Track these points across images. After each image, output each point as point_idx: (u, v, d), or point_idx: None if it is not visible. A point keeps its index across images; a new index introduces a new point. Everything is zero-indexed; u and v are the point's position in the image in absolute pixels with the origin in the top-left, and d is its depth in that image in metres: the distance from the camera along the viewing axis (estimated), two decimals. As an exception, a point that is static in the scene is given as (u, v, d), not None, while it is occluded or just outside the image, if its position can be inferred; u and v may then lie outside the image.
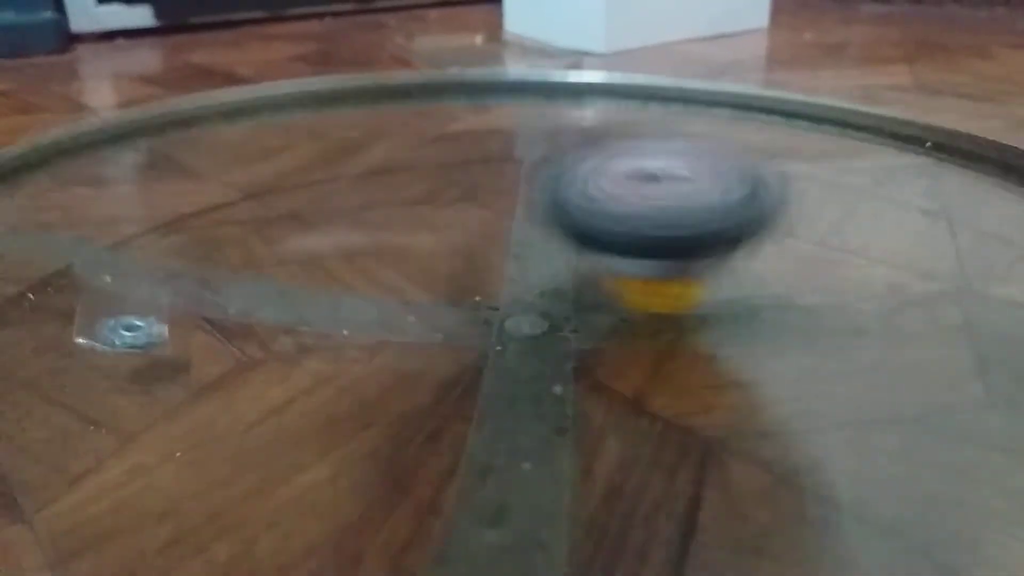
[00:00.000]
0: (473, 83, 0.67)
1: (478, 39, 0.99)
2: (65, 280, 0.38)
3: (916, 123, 0.55)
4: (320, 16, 1.18)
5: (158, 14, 1.03)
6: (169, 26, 1.04)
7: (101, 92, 0.78)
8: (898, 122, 0.56)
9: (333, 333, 0.32)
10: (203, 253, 0.40)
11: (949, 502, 0.23)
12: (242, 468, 0.24)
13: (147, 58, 0.93)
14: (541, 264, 0.38)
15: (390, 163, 0.54)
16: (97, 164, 0.55)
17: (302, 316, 0.34)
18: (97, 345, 0.29)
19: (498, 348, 0.30)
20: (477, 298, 0.35)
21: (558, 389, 0.28)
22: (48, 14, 0.92)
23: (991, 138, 0.50)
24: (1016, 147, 0.48)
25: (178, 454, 0.25)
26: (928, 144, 0.52)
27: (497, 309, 0.33)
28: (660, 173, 0.30)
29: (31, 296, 0.36)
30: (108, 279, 0.38)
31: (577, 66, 0.80)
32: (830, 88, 0.70)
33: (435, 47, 0.93)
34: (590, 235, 0.29)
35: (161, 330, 0.30)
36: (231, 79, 0.79)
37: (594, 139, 0.62)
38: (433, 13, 1.22)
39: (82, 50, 0.95)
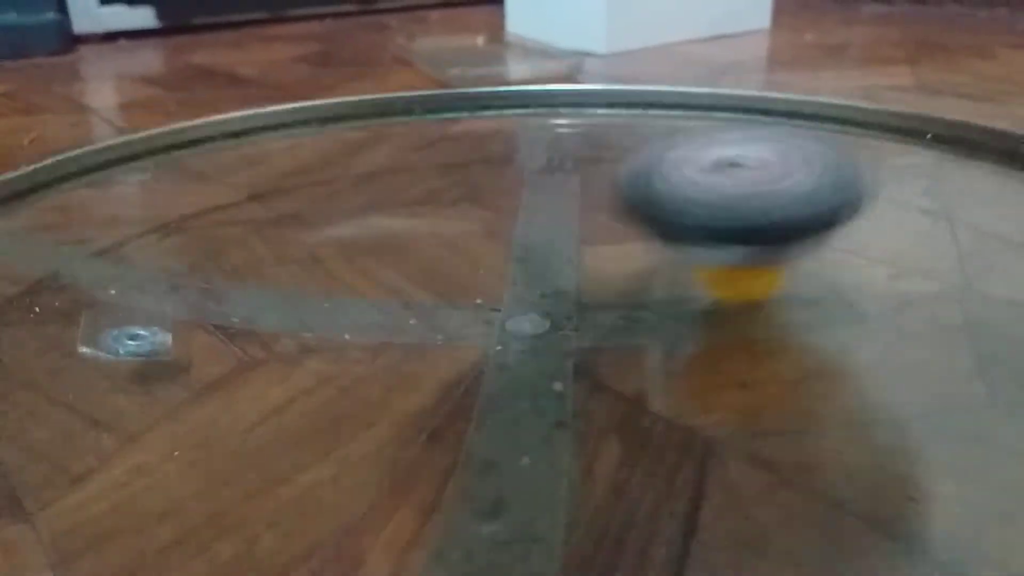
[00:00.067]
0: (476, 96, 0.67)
1: (480, 40, 0.99)
2: (67, 281, 0.38)
3: (916, 116, 0.55)
4: (321, 17, 1.18)
5: (160, 15, 1.03)
6: (171, 27, 1.05)
7: (103, 93, 0.78)
8: (899, 116, 0.56)
9: (334, 334, 0.32)
10: (205, 254, 0.40)
11: (950, 502, 0.23)
12: (244, 468, 0.24)
13: (149, 59, 0.93)
14: (543, 265, 0.38)
15: (391, 164, 0.54)
16: (97, 171, 0.55)
17: (303, 318, 0.34)
18: (101, 354, 0.29)
19: (499, 348, 0.30)
20: (478, 299, 0.35)
21: (558, 386, 0.28)
22: (50, 15, 0.92)
23: (991, 126, 0.50)
24: (1016, 133, 0.48)
25: (179, 454, 0.25)
26: (928, 136, 0.52)
27: (498, 310, 0.33)
28: (742, 161, 0.30)
29: (33, 297, 0.36)
30: (112, 283, 0.38)
31: (579, 67, 0.80)
32: (831, 89, 0.70)
33: (437, 48, 0.93)
34: (674, 226, 0.30)
35: (165, 339, 0.30)
36: (233, 80, 0.80)
37: (596, 142, 0.62)
38: (435, 14, 1.22)
39: (84, 51, 0.95)
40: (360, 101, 0.65)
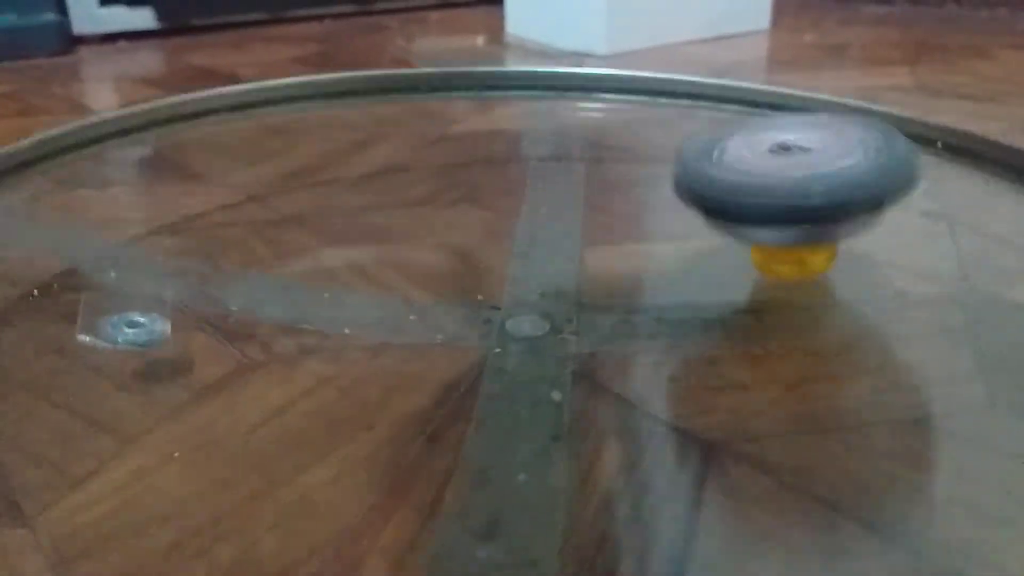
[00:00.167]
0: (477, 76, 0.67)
1: (479, 41, 0.99)
2: (66, 281, 0.38)
3: (918, 121, 0.55)
4: (321, 18, 1.18)
5: (160, 16, 1.03)
6: (171, 28, 1.05)
7: (103, 94, 0.78)
8: (900, 120, 0.56)
9: (334, 334, 0.32)
10: (205, 254, 0.40)
11: (951, 505, 0.23)
12: (244, 470, 0.24)
13: (149, 60, 0.93)
14: (544, 265, 0.38)
15: (392, 164, 0.54)
16: (99, 165, 0.55)
17: (304, 317, 0.34)
18: (99, 342, 0.29)
19: (497, 350, 0.30)
20: (479, 298, 0.35)
21: (556, 395, 0.27)
22: (50, 16, 0.92)
23: (992, 138, 0.50)
24: (1017, 147, 0.48)
25: (179, 456, 0.25)
26: (939, 144, 0.52)
27: (498, 309, 0.33)
28: (798, 144, 0.31)
29: (32, 297, 0.36)
30: (112, 281, 0.38)
31: (579, 67, 0.80)
32: (831, 89, 0.70)
33: (436, 49, 0.93)
34: (727, 206, 0.31)
35: (164, 328, 0.30)
36: (233, 81, 0.80)
37: (603, 131, 0.62)
38: (434, 15, 1.22)
39: (84, 52, 0.95)
40: (366, 76, 0.65)
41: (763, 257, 0.35)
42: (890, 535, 0.21)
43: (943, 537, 0.21)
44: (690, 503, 0.23)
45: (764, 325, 0.33)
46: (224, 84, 0.78)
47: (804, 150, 0.31)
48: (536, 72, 0.68)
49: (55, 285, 0.37)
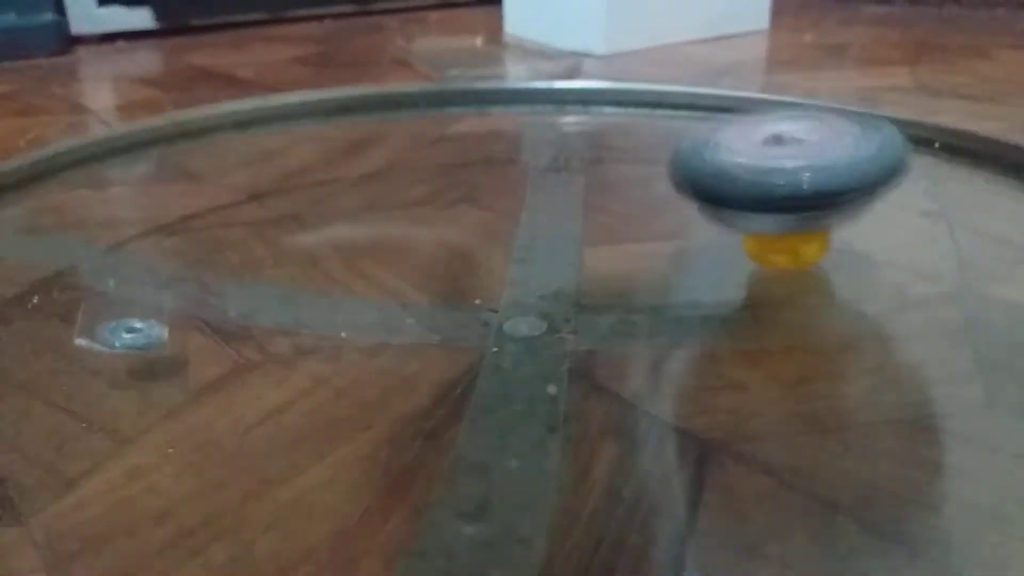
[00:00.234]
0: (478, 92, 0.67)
1: (478, 41, 0.99)
2: (64, 282, 0.38)
3: (917, 123, 0.55)
4: (320, 18, 1.18)
5: (158, 16, 1.03)
6: (169, 28, 1.05)
7: (102, 94, 0.78)
8: (899, 122, 0.55)
9: (332, 335, 0.32)
10: (203, 255, 0.40)
11: (950, 504, 0.23)
12: (240, 470, 0.24)
13: (147, 60, 0.93)
14: (543, 265, 0.38)
15: (391, 165, 0.54)
16: (96, 171, 0.55)
17: (301, 318, 0.34)
18: (96, 346, 0.29)
19: (495, 350, 0.30)
20: (477, 300, 0.34)
21: (552, 389, 0.27)
22: (49, 16, 0.92)
23: (992, 136, 0.50)
24: (1016, 144, 0.48)
25: (175, 456, 0.25)
26: (936, 145, 0.52)
27: (496, 311, 0.33)
28: (791, 135, 0.32)
29: (30, 298, 0.36)
30: (109, 282, 0.37)
31: (577, 67, 0.80)
32: (830, 89, 0.70)
33: (435, 49, 0.93)
34: (720, 194, 0.31)
35: (161, 332, 0.30)
36: (231, 81, 0.80)
37: (602, 140, 0.62)
38: (433, 15, 1.22)
39: (82, 52, 0.95)
40: (365, 94, 0.65)
41: (757, 247, 0.35)
42: (889, 535, 0.21)
43: (943, 537, 0.21)
44: (688, 503, 0.23)
45: (763, 325, 0.33)
46: (223, 85, 0.78)
47: (797, 141, 0.32)
48: (535, 89, 0.68)
49: (53, 286, 0.37)
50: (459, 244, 0.41)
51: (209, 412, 0.27)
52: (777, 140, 0.32)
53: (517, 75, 0.78)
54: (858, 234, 0.41)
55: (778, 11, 1.04)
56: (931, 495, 0.23)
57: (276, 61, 0.90)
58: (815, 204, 0.30)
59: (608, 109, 0.66)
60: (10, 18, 0.89)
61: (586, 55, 0.88)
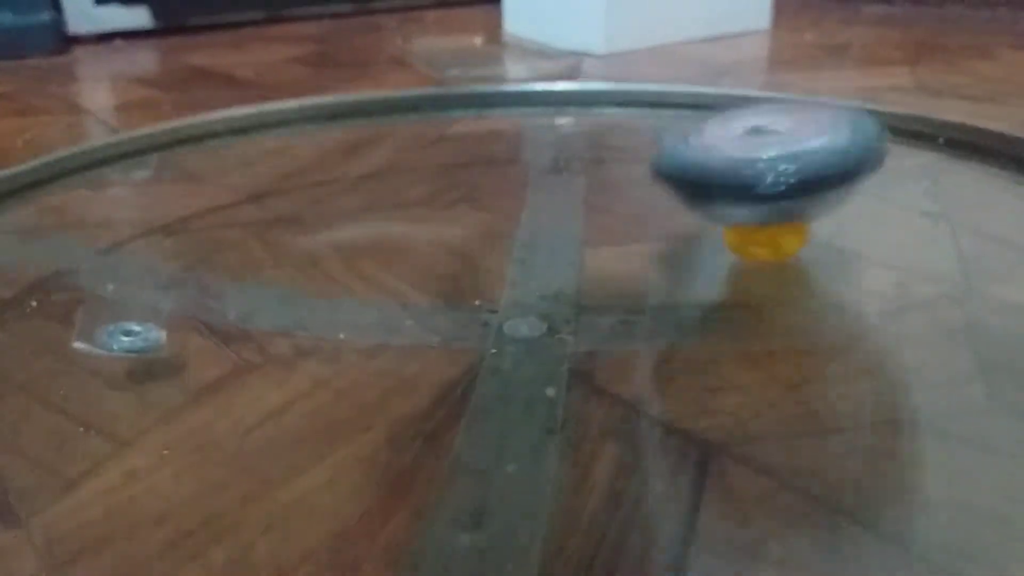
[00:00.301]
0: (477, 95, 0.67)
1: (477, 40, 0.99)
2: (63, 283, 0.37)
3: (921, 119, 0.55)
4: (318, 18, 1.18)
5: (156, 15, 1.03)
6: (167, 27, 1.04)
7: (99, 94, 0.78)
8: (902, 118, 0.56)
9: (331, 336, 0.32)
10: (202, 256, 0.40)
11: (950, 505, 0.23)
12: (239, 472, 0.24)
13: (145, 59, 0.93)
14: (544, 266, 0.38)
15: (390, 165, 0.54)
16: (95, 174, 0.55)
17: (301, 319, 0.33)
18: (95, 349, 0.29)
19: (494, 351, 0.30)
20: (477, 301, 0.34)
21: (551, 391, 0.27)
22: (46, 15, 0.92)
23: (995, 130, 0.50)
24: (1019, 138, 0.48)
25: (174, 458, 0.25)
26: (941, 140, 0.53)
27: (496, 311, 0.33)
28: (765, 127, 0.32)
29: (28, 299, 0.36)
30: (107, 283, 0.37)
31: (577, 67, 0.80)
32: (831, 89, 0.70)
33: (434, 48, 0.93)
34: (699, 185, 0.32)
35: (159, 336, 0.30)
36: (229, 81, 0.79)
37: (603, 141, 0.62)
38: (432, 14, 1.22)
39: (80, 51, 0.94)
40: (368, 99, 0.65)
41: (736, 239, 0.35)
42: (889, 535, 0.21)
43: (942, 537, 0.21)
44: (689, 504, 0.22)
45: (763, 326, 0.33)
46: (221, 84, 0.78)
47: (776, 132, 0.32)
48: (535, 91, 0.68)
49: (51, 287, 0.37)
50: (459, 245, 0.41)
51: (208, 413, 0.27)
52: (756, 131, 0.32)
53: (516, 75, 0.77)
54: (859, 234, 0.41)
55: (779, 10, 1.04)
56: (931, 496, 0.23)
57: (275, 61, 0.90)
58: (792, 193, 0.30)
59: (608, 110, 0.66)
60: (7, 17, 0.89)
61: (586, 55, 0.88)
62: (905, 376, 0.29)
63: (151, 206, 0.48)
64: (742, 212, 0.32)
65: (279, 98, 0.65)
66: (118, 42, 0.99)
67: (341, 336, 0.32)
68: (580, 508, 0.22)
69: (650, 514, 0.22)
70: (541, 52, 0.85)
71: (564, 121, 0.65)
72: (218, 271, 0.38)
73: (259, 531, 0.22)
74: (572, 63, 0.80)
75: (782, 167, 0.30)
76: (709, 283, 0.37)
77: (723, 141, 0.32)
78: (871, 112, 0.34)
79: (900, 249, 0.39)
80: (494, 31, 1.02)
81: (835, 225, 0.42)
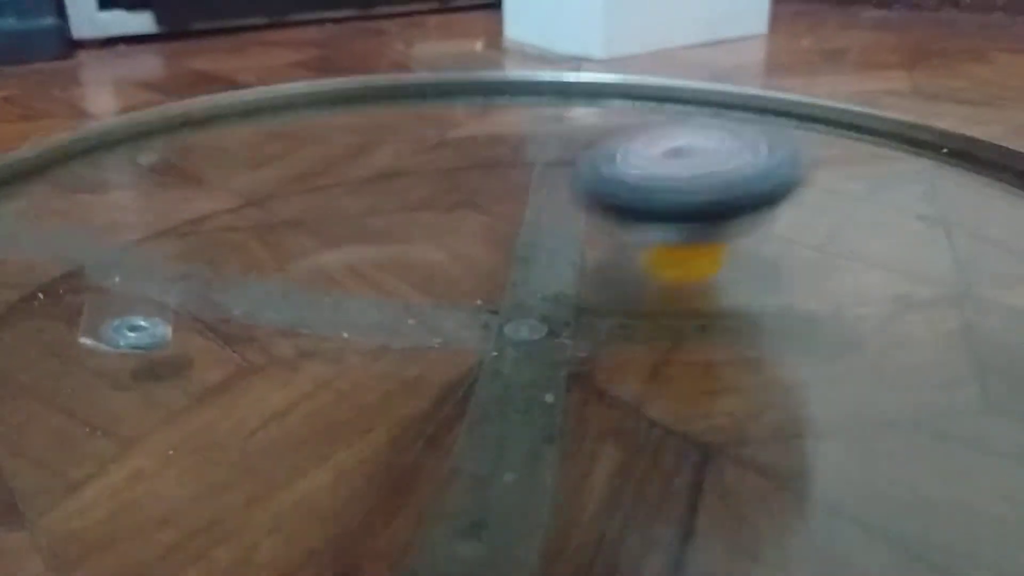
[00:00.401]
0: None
1: (478, 45, 0.99)
2: (67, 285, 0.38)
3: (918, 125, 0.55)
4: (320, 22, 1.18)
5: (159, 20, 1.03)
6: (170, 32, 1.05)
7: (103, 98, 0.78)
8: (901, 124, 0.56)
9: (334, 337, 0.32)
10: (205, 258, 0.40)
11: (948, 507, 0.23)
12: (242, 473, 0.25)
13: (149, 64, 0.93)
14: (545, 269, 0.38)
15: (392, 168, 0.54)
16: (99, 170, 0.55)
17: (303, 321, 0.34)
18: (101, 345, 0.29)
19: (494, 354, 0.30)
20: (478, 302, 0.35)
21: (550, 397, 0.28)
22: (50, 20, 0.92)
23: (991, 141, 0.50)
24: (1015, 150, 0.49)
25: (178, 460, 0.25)
26: (945, 150, 0.53)
27: (496, 313, 0.33)
28: (686, 148, 0.33)
29: (33, 301, 0.36)
30: (112, 287, 0.38)
31: (576, 71, 0.80)
32: (828, 93, 0.70)
33: (435, 53, 0.93)
34: (614, 205, 0.32)
35: (165, 331, 0.30)
36: (232, 85, 0.80)
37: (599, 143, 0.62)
38: (433, 19, 1.23)
39: (84, 56, 0.95)
40: (374, 84, 0.65)
41: (650, 259, 0.35)
42: (887, 536, 0.22)
43: (940, 538, 0.21)
44: (687, 506, 0.23)
45: (761, 328, 0.33)
46: (224, 88, 0.78)
47: (696, 153, 0.32)
48: (539, 80, 0.69)
49: (57, 288, 0.37)
50: (460, 246, 0.41)
51: (212, 415, 0.27)
52: (677, 153, 0.32)
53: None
54: (857, 238, 0.41)
55: (777, 15, 1.05)
56: (929, 497, 0.23)
57: (277, 65, 0.91)
58: (704, 215, 0.30)
59: (611, 110, 0.66)
60: (11, 22, 0.89)
61: (585, 59, 0.88)
62: (902, 378, 0.29)
63: (156, 209, 0.48)
64: (657, 233, 0.33)
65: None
66: (122, 47, 1.00)
67: (344, 337, 0.32)
68: (579, 510, 0.23)
69: (648, 515, 0.22)
70: (542, 57, 0.86)
71: (564, 124, 0.65)
72: (222, 273, 0.38)
73: (262, 533, 0.22)
74: (572, 67, 0.80)
75: (695, 188, 0.30)
76: (708, 286, 0.37)
77: (643, 161, 0.32)
78: (795, 139, 0.34)
79: (897, 252, 0.40)
80: (495, 36, 1.03)
81: (833, 229, 0.43)
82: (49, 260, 0.41)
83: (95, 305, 0.32)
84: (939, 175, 0.50)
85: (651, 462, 0.25)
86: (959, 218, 0.43)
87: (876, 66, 0.83)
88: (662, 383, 0.29)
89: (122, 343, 0.29)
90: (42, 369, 0.30)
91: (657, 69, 0.84)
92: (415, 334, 0.32)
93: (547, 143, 0.61)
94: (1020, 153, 0.49)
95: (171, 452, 0.26)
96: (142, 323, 0.30)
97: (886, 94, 0.70)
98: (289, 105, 0.63)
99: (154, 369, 0.30)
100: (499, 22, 1.04)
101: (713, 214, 0.30)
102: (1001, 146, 0.50)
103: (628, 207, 0.31)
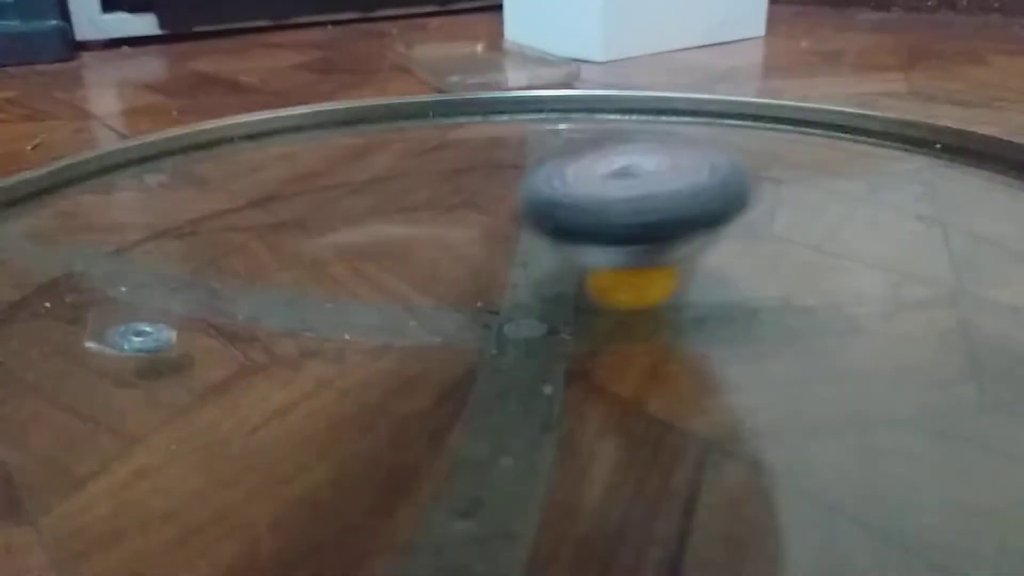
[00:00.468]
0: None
1: (478, 47, 1.00)
2: (71, 285, 0.38)
3: (915, 123, 0.55)
4: (323, 24, 1.19)
5: (163, 22, 1.04)
6: (173, 34, 1.05)
7: (106, 100, 0.79)
8: (896, 123, 0.56)
9: (336, 337, 0.32)
10: (208, 259, 0.41)
11: (944, 504, 0.23)
12: (246, 470, 0.25)
13: (152, 66, 0.94)
14: (545, 269, 0.38)
15: (393, 170, 0.54)
16: (104, 185, 0.55)
17: (306, 320, 0.34)
18: (106, 349, 0.29)
19: (494, 352, 0.31)
20: (478, 303, 0.35)
21: (548, 389, 0.28)
22: (53, 22, 0.93)
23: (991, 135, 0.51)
24: (1013, 141, 0.49)
25: (182, 456, 0.25)
26: (938, 146, 0.53)
27: (497, 313, 0.34)
28: (631, 168, 0.32)
29: (39, 301, 0.36)
30: (118, 286, 0.38)
31: (575, 74, 0.81)
32: (826, 95, 0.71)
33: (436, 55, 0.94)
34: (561, 227, 0.30)
35: (169, 335, 0.30)
36: (235, 87, 0.80)
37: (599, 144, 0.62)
38: (434, 22, 1.23)
39: (87, 58, 0.95)
40: (374, 105, 0.66)
41: (597, 283, 0.34)
42: (886, 535, 0.22)
43: (938, 537, 0.22)
44: (685, 503, 0.23)
45: (760, 326, 0.33)
46: (227, 90, 0.79)
47: (641, 174, 0.31)
48: (543, 96, 0.69)
49: (60, 288, 0.37)
50: (461, 248, 0.41)
51: (215, 413, 0.28)
52: (621, 173, 0.31)
53: (516, 81, 0.78)
54: (853, 237, 0.41)
55: (774, 18, 1.05)
56: (928, 495, 0.23)
57: (279, 67, 0.91)
58: (646, 237, 0.29)
59: (610, 116, 0.66)
60: (16, 24, 0.90)
61: (585, 62, 0.89)
62: (899, 376, 0.29)
63: (156, 210, 0.49)
64: (599, 256, 0.31)
65: (284, 105, 0.66)
66: (125, 49, 1.00)
67: (346, 337, 0.32)
68: (576, 504, 0.23)
69: (647, 509, 0.23)
70: (541, 59, 0.86)
71: (564, 127, 0.65)
72: (226, 274, 0.39)
73: (266, 528, 0.22)
74: (571, 70, 0.81)
75: (636, 210, 0.29)
76: (706, 284, 0.37)
77: (586, 181, 0.31)
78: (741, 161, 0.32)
79: (893, 251, 0.40)
80: (495, 38, 1.03)
81: (830, 228, 0.43)
82: (52, 259, 0.41)
83: (99, 309, 0.32)
84: (937, 175, 0.51)
85: (650, 458, 0.25)
86: (956, 217, 0.43)
87: (873, 68, 0.84)
88: (661, 380, 0.29)
89: (127, 347, 0.29)
90: (46, 368, 0.31)
91: (654, 72, 0.85)
92: (416, 334, 0.33)
93: (547, 144, 0.61)
94: (1018, 144, 0.49)
95: (174, 449, 0.26)
96: (147, 328, 0.30)
97: (883, 96, 0.70)
98: (298, 128, 0.63)
99: (157, 368, 0.30)
100: (499, 24, 1.04)
101: (655, 237, 0.29)
102: (1001, 139, 0.50)
103: (565, 229, 0.30)
